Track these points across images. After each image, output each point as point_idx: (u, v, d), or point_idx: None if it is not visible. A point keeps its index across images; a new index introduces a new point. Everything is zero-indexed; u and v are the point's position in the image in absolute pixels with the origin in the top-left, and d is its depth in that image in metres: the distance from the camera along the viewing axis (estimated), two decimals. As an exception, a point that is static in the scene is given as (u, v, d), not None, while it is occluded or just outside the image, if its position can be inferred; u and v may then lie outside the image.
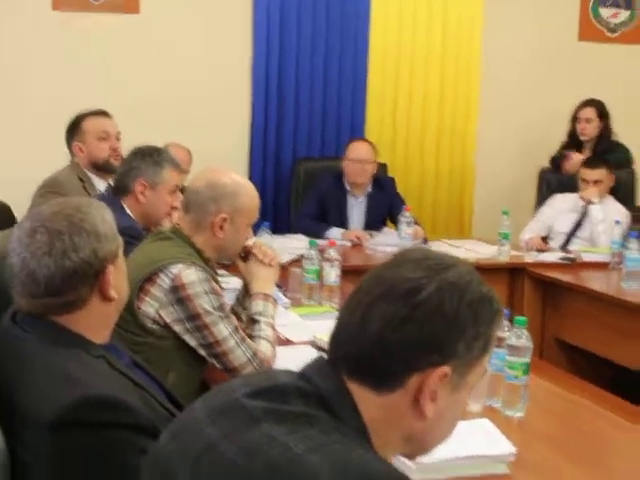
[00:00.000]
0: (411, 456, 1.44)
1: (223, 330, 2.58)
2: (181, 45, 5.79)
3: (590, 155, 5.77)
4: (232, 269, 3.19)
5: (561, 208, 5.49)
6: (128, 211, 3.44)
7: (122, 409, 1.60)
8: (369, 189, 5.62)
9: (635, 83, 6.83)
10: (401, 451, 1.39)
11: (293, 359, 2.66)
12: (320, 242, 4.06)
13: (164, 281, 2.57)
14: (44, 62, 5.49)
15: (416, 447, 1.38)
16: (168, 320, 2.58)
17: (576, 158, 5.80)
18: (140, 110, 5.46)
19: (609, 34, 6.86)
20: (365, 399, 1.29)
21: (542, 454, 2.20)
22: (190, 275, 2.56)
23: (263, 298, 2.82)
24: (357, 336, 1.29)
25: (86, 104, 4.29)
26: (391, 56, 6.25)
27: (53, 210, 1.77)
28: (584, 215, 5.38)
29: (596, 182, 5.34)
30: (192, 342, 2.60)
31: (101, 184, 4.09)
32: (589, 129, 5.93)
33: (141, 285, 2.56)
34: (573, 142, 6.01)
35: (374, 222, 5.57)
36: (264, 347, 2.68)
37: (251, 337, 2.69)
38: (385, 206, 5.63)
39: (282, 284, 3.64)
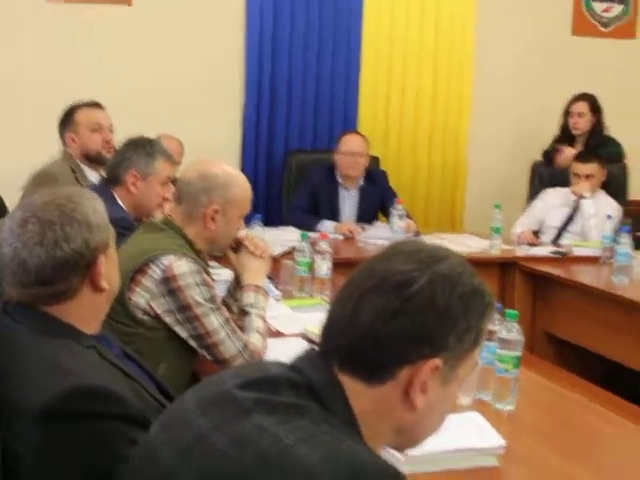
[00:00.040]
0: (401, 448, 1.45)
1: (214, 322, 2.58)
2: (174, 37, 5.77)
3: (582, 149, 5.78)
4: (223, 261, 3.19)
5: (553, 202, 5.50)
6: (120, 202, 3.44)
7: (112, 399, 1.59)
8: (361, 182, 5.62)
9: (628, 78, 6.84)
10: (391, 443, 1.39)
11: (284, 351, 2.65)
12: (312, 235, 4.06)
13: (155, 272, 2.57)
14: (37, 53, 5.47)
15: (406, 439, 1.39)
16: (159, 311, 2.58)
17: (568, 152, 5.80)
18: (132, 102, 5.44)
19: (602, 28, 6.86)
20: (356, 391, 1.29)
21: (531, 447, 2.20)
22: (181, 266, 2.56)
23: (254, 290, 2.82)
24: (348, 328, 1.29)
25: (79, 95, 4.28)
26: (384, 50, 6.23)
27: (45, 200, 1.77)
28: (576, 209, 5.38)
29: (588, 176, 5.34)
30: (183, 333, 2.60)
31: (93, 175, 4.08)
32: (581, 123, 5.93)
33: (132, 276, 2.56)
34: (565, 136, 6.01)
35: (366, 215, 5.57)
36: (255, 339, 2.69)
37: (242, 329, 2.70)
38: (377, 199, 5.62)
39: (273, 276, 3.64)
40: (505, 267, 4.92)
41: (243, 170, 5.57)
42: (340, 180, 5.59)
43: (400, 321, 1.26)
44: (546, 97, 6.50)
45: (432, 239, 5.00)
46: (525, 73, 6.64)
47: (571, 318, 4.57)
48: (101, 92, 4.72)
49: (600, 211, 5.27)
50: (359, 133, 5.83)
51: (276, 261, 3.72)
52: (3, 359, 1.68)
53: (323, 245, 3.75)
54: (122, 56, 5.64)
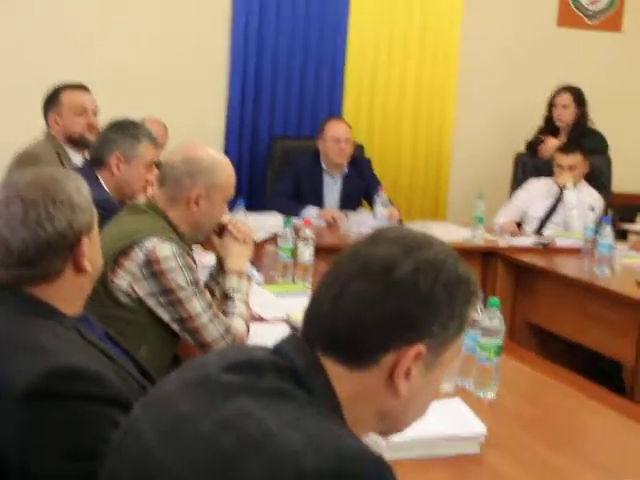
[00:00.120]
0: (385, 434, 1.45)
1: (196, 305, 2.58)
2: (160, 21, 5.74)
3: (565, 141, 5.79)
4: (206, 245, 3.18)
5: (536, 193, 5.51)
6: (103, 184, 3.43)
7: (94, 380, 1.59)
8: (345, 169, 5.61)
9: (613, 70, 6.87)
10: (374, 429, 1.39)
11: (266, 336, 2.67)
12: (295, 221, 4.05)
13: (138, 255, 2.56)
14: (24, 32, 5.42)
15: (389, 425, 1.38)
16: (141, 294, 2.57)
17: (551, 143, 5.82)
18: (117, 84, 5.41)
19: (588, 21, 6.86)
20: (339, 376, 1.28)
21: (512, 434, 2.22)
22: (165, 250, 2.55)
23: (237, 275, 2.82)
24: (332, 313, 1.29)
25: (64, 77, 4.25)
26: (370, 38, 6.22)
27: (28, 180, 1.75)
28: (558, 200, 5.40)
29: (571, 167, 5.36)
30: (165, 316, 2.59)
31: (77, 157, 4.06)
32: (565, 115, 5.94)
33: (115, 258, 2.54)
34: (549, 127, 6.02)
35: (349, 202, 5.57)
36: (237, 323, 2.68)
37: (225, 313, 2.69)
38: (361, 187, 5.62)
39: (256, 262, 3.64)
40: (487, 257, 4.94)
41: (227, 155, 5.52)
42: (324, 167, 5.58)
43: (383, 306, 1.26)
44: (531, 88, 6.52)
45: (416, 227, 5.01)
46: (510, 64, 6.66)
47: (552, 308, 4.60)
48: (87, 73, 4.71)
49: (582, 202, 5.29)
50: (343, 119, 5.82)
51: (259, 246, 3.72)
52: None
53: (306, 231, 3.74)
54: (108, 39, 5.60)
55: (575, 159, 5.37)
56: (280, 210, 5.05)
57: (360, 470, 1.14)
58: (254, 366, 1.29)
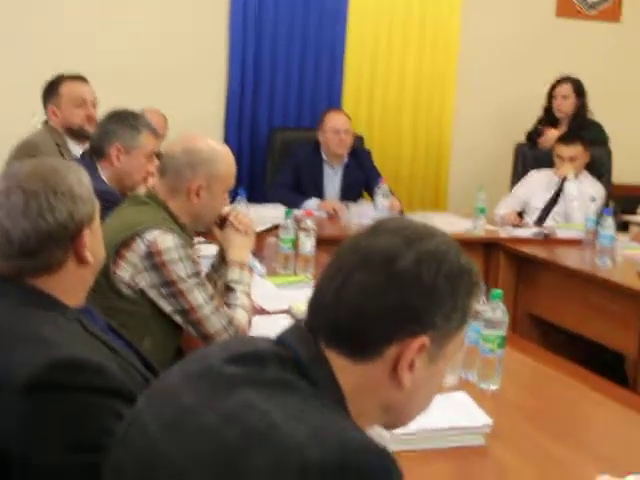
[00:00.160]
0: (389, 427, 1.44)
1: (198, 297, 2.57)
2: (159, 11, 5.72)
3: (565, 131, 5.78)
4: (208, 236, 3.17)
5: (537, 184, 5.50)
6: (103, 175, 3.41)
7: (96, 372, 1.58)
8: (345, 160, 5.61)
9: (612, 61, 6.85)
10: (378, 421, 1.38)
11: (268, 328, 2.66)
12: (296, 212, 4.04)
13: (139, 247, 2.55)
14: (25, 22, 5.40)
15: (393, 418, 1.38)
16: (143, 286, 2.56)
17: (551, 134, 5.81)
18: (117, 75, 5.39)
19: (587, 11, 6.84)
20: (343, 368, 1.28)
21: (515, 426, 2.22)
22: (166, 241, 2.54)
23: (239, 266, 2.81)
24: (335, 304, 1.28)
25: (63, 66, 4.24)
26: (369, 29, 6.21)
27: (29, 170, 1.74)
28: (559, 191, 5.39)
29: (571, 158, 5.35)
30: (167, 308, 2.58)
31: (77, 149, 4.05)
32: (565, 106, 5.93)
33: (117, 250, 2.54)
34: (549, 118, 6.01)
35: (350, 193, 5.56)
36: (240, 315, 2.67)
37: (227, 305, 2.69)
38: (361, 178, 5.62)
39: (257, 253, 3.63)
40: (489, 248, 4.93)
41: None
42: (325, 158, 5.58)
43: (385, 297, 1.25)
44: (530, 79, 6.51)
45: (417, 218, 5.00)
46: (509, 54, 6.64)
47: (554, 299, 4.59)
48: (84, 64, 4.67)
49: (583, 193, 5.28)
50: (342, 110, 5.81)
51: (260, 238, 3.71)
52: None
53: (308, 222, 3.74)
54: (107, 29, 5.58)
55: (576, 150, 5.36)
56: (280, 202, 5.03)
57: (364, 462, 1.13)
58: (257, 357, 1.28)
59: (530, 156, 5.96)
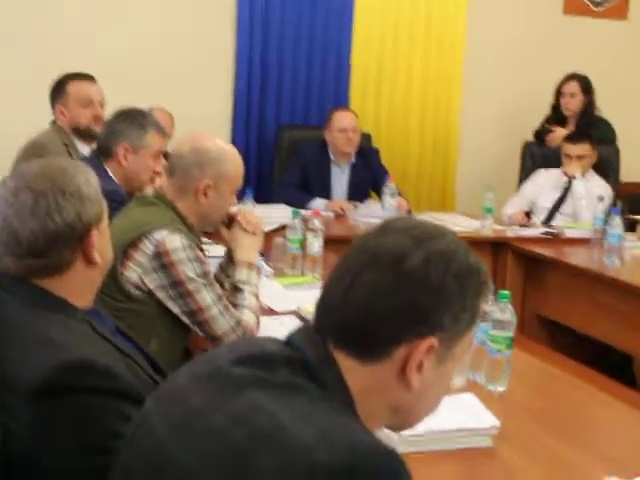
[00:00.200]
0: (397, 428, 1.44)
1: (206, 298, 2.57)
2: (164, 9, 5.72)
3: (573, 130, 5.76)
4: (216, 237, 3.17)
5: (544, 184, 5.49)
6: (111, 175, 3.41)
7: (105, 374, 1.58)
8: (353, 159, 5.60)
9: (619, 58, 6.83)
10: (387, 423, 1.38)
11: (276, 329, 2.67)
12: (304, 212, 4.04)
13: (148, 247, 2.55)
14: (31, 21, 5.40)
15: (402, 419, 1.38)
16: (151, 286, 2.56)
17: (559, 132, 5.80)
18: (123, 74, 5.39)
19: (594, 8, 6.82)
20: (351, 369, 1.27)
21: (523, 427, 2.21)
22: (174, 241, 2.54)
23: (247, 266, 2.80)
24: (343, 304, 1.28)
25: (70, 65, 4.24)
26: (375, 27, 6.20)
27: (37, 171, 1.74)
28: (567, 190, 5.38)
29: (579, 157, 5.33)
30: (175, 309, 2.58)
31: (84, 149, 4.05)
32: (573, 103, 5.92)
33: (124, 250, 2.53)
34: (556, 116, 6.00)
35: (358, 192, 5.55)
36: (247, 316, 2.67)
37: (234, 305, 2.68)
38: (369, 177, 5.61)
39: (265, 253, 3.62)
40: (496, 248, 4.92)
41: (234, 145, 5.51)
42: (332, 157, 5.57)
43: (394, 297, 1.25)
44: (537, 76, 6.49)
45: (426, 218, 4.99)
46: (516, 53, 6.63)
47: (562, 299, 4.57)
48: (93, 62, 4.69)
49: (591, 192, 5.26)
50: (350, 109, 5.81)
51: (267, 238, 3.70)
52: None
53: (315, 222, 3.73)
54: (113, 28, 5.59)
55: (583, 149, 5.34)
56: (288, 201, 5.03)
57: (373, 464, 1.13)
58: (265, 359, 1.28)
59: (538, 155, 5.95)
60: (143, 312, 2.55)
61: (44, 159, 1.85)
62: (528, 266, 4.82)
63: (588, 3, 6.80)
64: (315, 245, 3.68)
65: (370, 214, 4.98)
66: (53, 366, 1.53)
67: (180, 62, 5.76)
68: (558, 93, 5.97)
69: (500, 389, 2.41)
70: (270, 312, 3.02)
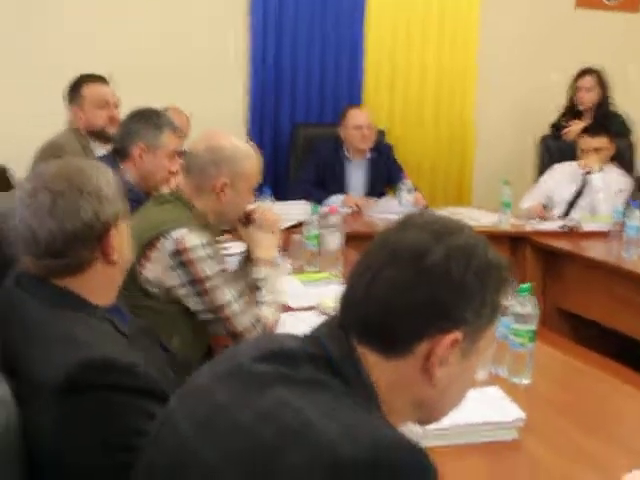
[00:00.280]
0: (421, 423, 1.44)
1: (226, 294, 2.57)
2: (179, 9, 5.73)
3: (590, 123, 5.73)
4: (234, 234, 3.16)
5: (560, 178, 5.45)
6: (127, 174, 3.41)
7: (127, 371, 1.58)
8: (368, 155, 5.60)
9: (633, 51, 6.78)
10: (411, 418, 1.38)
11: (296, 326, 2.66)
12: (320, 209, 4.03)
13: (165, 246, 2.55)
14: (45, 20, 5.41)
15: (426, 414, 1.38)
16: (170, 284, 2.56)
17: (575, 126, 5.77)
18: (139, 74, 5.39)
19: (606, 1, 6.79)
20: (375, 365, 1.27)
21: (547, 420, 2.20)
22: (193, 239, 2.54)
23: (265, 264, 2.80)
24: (364, 299, 1.28)
25: (85, 66, 4.25)
26: (388, 23, 6.19)
27: (55, 171, 1.74)
28: (584, 184, 5.34)
29: (596, 150, 5.30)
30: (195, 306, 2.58)
31: (100, 151, 4.06)
32: (588, 98, 5.90)
33: (143, 250, 2.53)
34: (572, 111, 5.97)
35: (374, 188, 5.55)
36: (267, 312, 2.67)
37: (254, 303, 2.67)
38: (384, 173, 5.60)
39: (282, 250, 3.61)
40: (515, 242, 4.90)
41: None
42: (347, 154, 5.57)
43: (414, 293, 1.25)
44: (551, 70, 6.46)
45: (445, 213, 4.98)
46: (529, 47, 6.61)
47: (582, 293, 4.55)
48: (108, 62, 4.69)
49: (609, 185, 5.23)
50: (363, 106, 5.81)
51: (285, 234, 3.69)
52: (17, 331, 1.67)
53: (332, 219, 3.72)
54: (129, 25, 5.59)
55: (601, 141, 5.31)
56: (304, 199, 5.01)
57: (397, 459, 1.13)
58: (289, 356, 1.28)
59: (555, 148, 5.92)
60: (163, 310, 2.55)
61: (61, 160, 1.85)
62: (547, 260, 4.79)
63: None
64: (332, 241, 3.67)
65: (387, 210, 4.97)
66: (75, 364, 1.54)
67: (195, 62, 5.77)
68: (574, 88, 5.94)
69: (524, 382, 2.40)
70: (289, 309, 3.01)
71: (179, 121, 4.36)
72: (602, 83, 5.89)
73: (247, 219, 2.89)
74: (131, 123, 3.46)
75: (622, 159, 5.55)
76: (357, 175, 5.60)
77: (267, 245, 2.86)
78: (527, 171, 6.10)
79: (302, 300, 3.12)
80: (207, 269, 2.54)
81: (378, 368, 1.27)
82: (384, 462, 1.11)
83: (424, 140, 6.39)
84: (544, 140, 6.05)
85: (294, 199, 5.11)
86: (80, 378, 1.53)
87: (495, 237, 4.53)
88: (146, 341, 1.86)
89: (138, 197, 3.12)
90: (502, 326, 2.40)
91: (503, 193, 4.94)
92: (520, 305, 2.41)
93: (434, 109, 6.39)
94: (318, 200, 4.91)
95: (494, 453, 2.00)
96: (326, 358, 1.27)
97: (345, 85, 6.15)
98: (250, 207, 2.87)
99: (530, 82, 6.61)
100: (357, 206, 5.19)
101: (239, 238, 3.02)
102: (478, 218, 4.93)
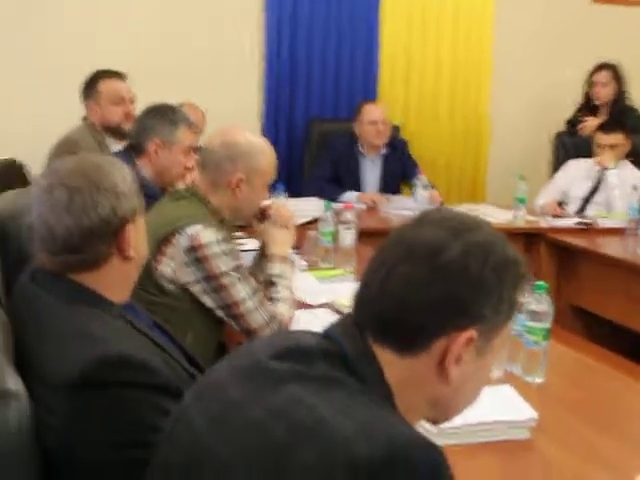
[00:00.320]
0: (436, 421, 1.43)
1: (241, 291, 2.57)
2: (195, 6, 5.73)
3: (606, 119, 5.71)
4: (249, 231, 3.17)
5: (575, 175, 5.42)
6: (143, 170, 3.42)
7: (142, 369, 1.58)
8: (383, 151, 5.59)
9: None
10: (425, 416, 1.38)
11: (311, 322, 2.67)
12: (336, 205, 4.02)
13: (180, 242, 2.55)
14: (61, 17, 5.43)
15: (441, 412, 1.37)
16: (185, 281, 2.56)
17: (591, 122, 5.75)
18: (154, 70, 5.40)
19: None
20: (390, 362, 1.27)
21: (560, 418, 2.19)
22: (208, 235, 2.54)
23: (280, 260, 2.80)
24: (379, 296, 1.28)
25: (100, 61, 4.26)
26: (403, 18, 6.18)
27: (71, 167, 1.75)
28: (600, 180, 5.32)
29: (612, 146, 5.27)
30: (209, 303, 2.58)
31: (115, 147, 4.07)
32: (604, 93, 5.87)
33: (158, 245, 2.54)
34: (588, 106, 5.95)
35: (389, 184, 5.54)
36: (282, 309, 2.67)
37: (269, 299, 2.68)
38: (399, 169, 5.59)
39: (298, 246, 3.61)
40: (530, 238, 4.88)
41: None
42: (362, 149, 5.56)
43: (428, 289, 1.24)
44: (567, 66, 6.44)
45: (461, 210, 4.96)
46: (545, 42, 6.59)
47: (596, 290, 4.53)
48: (123, 59, 4.70)
49: (624, 182, 5.21)
50: (378, 102, 5.80)
51: (300, 231, 3.69)
52: (32, 326, 1.68)
53: (347, 215, 3.71)
54: (144, 22, 5.60)
55: (616, 138, 5.28)
56: (319, 194, 5.02)
57: (412, 457, 1.13)
58: (303, 353, 1.28)
59: (570, 145, 5.90)
60: (178, 306, 2.56)
61: (78, 156, 1.86)
62: (562, 257, 4.77)
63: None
64: (347, 238, 3.67)
65: (402, 206, 4.97)
66: (91, 359, 1.54)
67: (209, 58, 5.77)
68: (589, 83, 5.92)
69: (538, 381, 2.39)
70: (304, 305, 3.01)
71: (194, 117, 4.36)
72: (618, 78, 5.86)
73: (262, 215, 2.89)
74: (147, 119, 3.47)
75: (638, 155, 5.52)
76: (372, 171, 5.59)
77: (282, 241, 2.86)
78: (542, 167, 6.08)
79: (317, 296, 3.11)
80: (222, 265, 2.54)
81: (393, 366, 1.27)
82: (400, 459, 1.11)
83: (439, 135, 6.38)
84: (559, 136, 6.03)
85: (308, 196, 5.11)
86: (95, 374, 1.53)
87: (510, 233, 4.48)
88: (162, 338, 1.86)
89: (154, 193, 3.13)
90: (516, 324, 2.40)
91: (518, 188, 4.91)
92: (536, 303, 2.40)
93: (449, 104, 6.38)
94: (332, 197, 4.90)
95: (506, 452, 1.99)
96: (341, 356, 1.26)
97: (360, 80, 6.15)
98: (265, 203, 2.87)
99: (546, 77, 6.59)
100: (373, 202, 5.18)
101: (254, 234, 3.02)
102: (492, 214, 4.91)
